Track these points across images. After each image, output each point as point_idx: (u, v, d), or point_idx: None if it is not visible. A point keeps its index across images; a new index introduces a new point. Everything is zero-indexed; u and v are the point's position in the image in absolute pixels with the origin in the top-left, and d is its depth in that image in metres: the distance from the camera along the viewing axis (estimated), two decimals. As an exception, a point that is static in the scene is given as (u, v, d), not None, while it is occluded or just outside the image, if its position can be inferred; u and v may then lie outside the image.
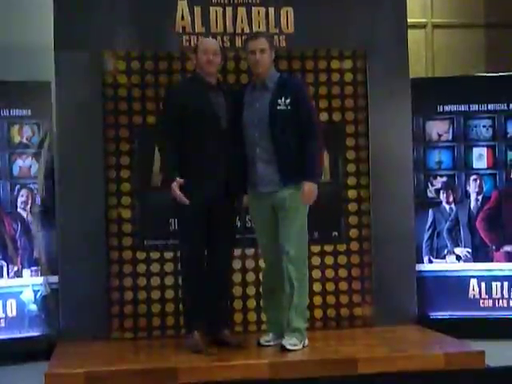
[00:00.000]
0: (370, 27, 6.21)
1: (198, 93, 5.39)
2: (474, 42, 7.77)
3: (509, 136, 6.46)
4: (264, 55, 5.34)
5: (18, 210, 6.06)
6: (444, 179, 6.48)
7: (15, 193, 6.06)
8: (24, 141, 6.11)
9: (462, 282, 6.42)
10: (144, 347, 5.78)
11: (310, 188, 5.28)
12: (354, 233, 6.19)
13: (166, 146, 5.39)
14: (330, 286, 6.16)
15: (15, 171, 6.07)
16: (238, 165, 5.38)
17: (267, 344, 5.46)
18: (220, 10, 6.09)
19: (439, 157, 6.49)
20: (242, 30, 6.10)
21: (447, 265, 6.44)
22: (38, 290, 6.05)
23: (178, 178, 5.29)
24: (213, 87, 5.44)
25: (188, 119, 5.32)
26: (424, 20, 7.72)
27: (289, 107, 5.29)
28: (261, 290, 5.88)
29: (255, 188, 5.37)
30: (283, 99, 5.30)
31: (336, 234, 6.18)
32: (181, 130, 5.33)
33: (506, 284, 6.39)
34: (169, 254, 6.00)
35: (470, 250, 6.43)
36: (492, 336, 5.97)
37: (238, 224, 5.90)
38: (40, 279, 6.06)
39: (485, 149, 6.48)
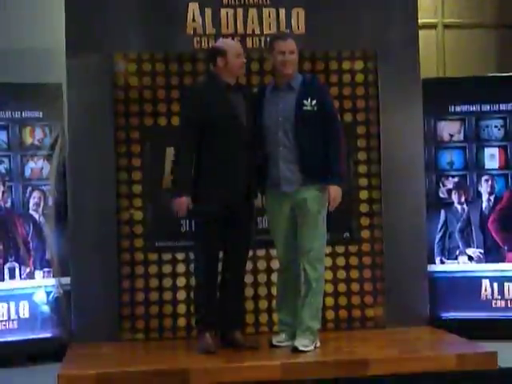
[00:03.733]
0: (381, 28, 6.20)
1: (218, 94, 5.38)
2: (484, 42, 7.75)
3: (520, 136, 6.46)
4: (293, 56, 5.37)
5: (30, 211, 6.08)
6: (456, 179, 6.46)
7: (27, 194, 6.07)
8: (36, 143, 6.13)
9: (474, 282, 6.40)
10: (155, 348, 5.78)
11: (336, 192, 5.31)
12: (365, 234, 6.19)
13: (184, 157, 5.35)
14: (342, 287, 6.15)
15: (27, 173, 6.09)
16: (256, 165, 5.40)
17: (279, 345, 5.46)
18: (231, 11, 6.09)
19: (451, 157, 6.48)
20: (253, 31, 6.10)
21: (459, 265, 6.43)
22: (50, 292, 6.07)
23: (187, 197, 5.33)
24: (232, 88, 5.44)
25: (209, 120, 5.31)
26: (435, 20, 7.70)
27: (315, 108, 5.32)
28: (272, 290, 5.90)
29: (276, 187, 5.37)
30: (309, 100, 5.32)
31: (347, 235, 6.17)
32: (201, 132, 5.32)
33: (518, 285, 6.39)
34: (180, 255, 6.01)
35: (482, 251, 6.41)
36: (504, 337, 5.97)
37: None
38: (52, 281, 6.07)
39: (496, 149, 6.47)
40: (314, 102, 5.33)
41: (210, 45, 5.95)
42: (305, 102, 5.33)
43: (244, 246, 5.54)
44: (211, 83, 5.47)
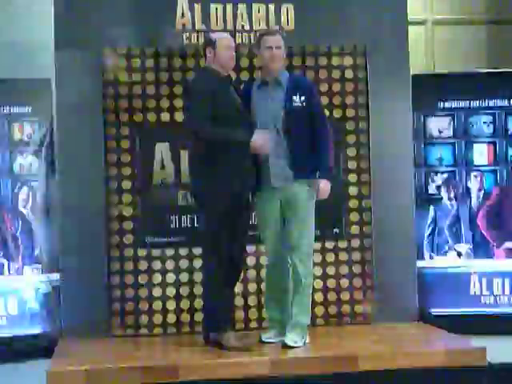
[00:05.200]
0: (371, 24, 6.20)
1: (223, 87, 5.34)
2: (474, 38, 7.76)
3: (509, 132, 6.46)
4: (280, 51, 5.37)
5: (19, 207, 6.06)
6: (445, 176, 6.48)
7: (16, 190, 6.06)
8: (25, 138, 6.11)
9: (463, 278, 6.43)
10: (145, 344, 5.79)
11: (325, 185, 5.34)
12: (354, 229, 6.20)
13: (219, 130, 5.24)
14: (331, 283, 6.16)
15: (16, 169, 6.08)
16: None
17: (269, 341, 5.46)
18: (220, 6, 6.09)
19: (440, 153, 6.49)
20: (243, 26, 6.10)
21: (448, 261, 6.44)
22: (39, 288, 6.06)
23: None
24: (230, 82, 5.45)
25: (222, 113, 5.23)
26: (424, 16, 7.71)
27: (303, 104, 5.33)
28: (262, 286, 5.91)
29: (267, 183, 5.37)
30: (298, 97, 5.34)
31: (337, 230, 6.18)
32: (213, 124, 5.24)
33: (506, 280, 6.40)
34: (170, 251, 6.01)
35: (470, 247, 6.44)
36: (493, 332, 5.98)
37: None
38: (41, 277, 6.06)
39: (485, 145, 6.49)
40: (303, 98, 5.34)
41: (200, 40, 5.97)
42: (294, 98, 5.34)
43: (245, 242, 5.54)
44: (211, 77, 5.37)
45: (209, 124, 5.19)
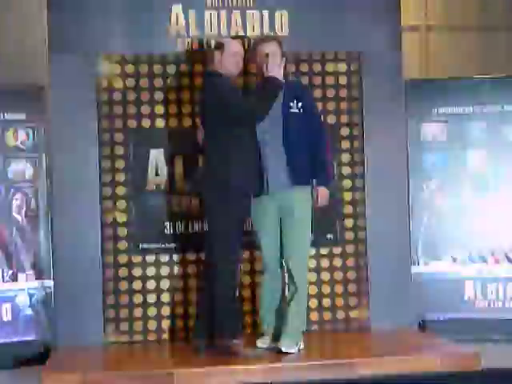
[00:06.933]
0: (365, 30, 6.20)
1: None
2: (468, 44, 7.79)
3: (503, 139, 6.47)
4: (276, 58, 5.36)
5: (13, 213, 6.05)
6: (439, 181, 6.48)
7: (10, 196, 6.05)
8: (19, 144, 6.10)
9: (458, 283, 6.43)
10: (140, 351, 5.78)
11: (324, 193, 5.38)
12: (349, 235, 6.20)
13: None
14: (326, 289, 6.16)
15: (10, 175, 6.06)
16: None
17: (263, 347, 5.45)
18: (215, 13, 6.09)
19: (434, 159, 6.50)
20: (237, 33, 6.09)
21: (443, 267, 6.44)
22: (34, 294, 6.05)
23: None
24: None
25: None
26: (419, 22, 7.73)
27: (301, 110, 5.35)
28: (257, 292, 5.90)
29: (264, 189, 5.37)
30: (295, 103, 5.35)
31: (331, 236, 6.18)
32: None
33: (501, 285, 6.40)
34: (164, 258, 6.00)
35: (465, 252, 6.44)
36: (488, 338, 5.99)
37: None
38: (35, 283, 6.05)
39: (479, 151, 6.49)
40: (300, 104, 5.35)
41: (194, 47, 5.98)
42: (291, 104, 5.36)
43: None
44: (226, 79, 5.40)
45: (253, 101, 5.25)
